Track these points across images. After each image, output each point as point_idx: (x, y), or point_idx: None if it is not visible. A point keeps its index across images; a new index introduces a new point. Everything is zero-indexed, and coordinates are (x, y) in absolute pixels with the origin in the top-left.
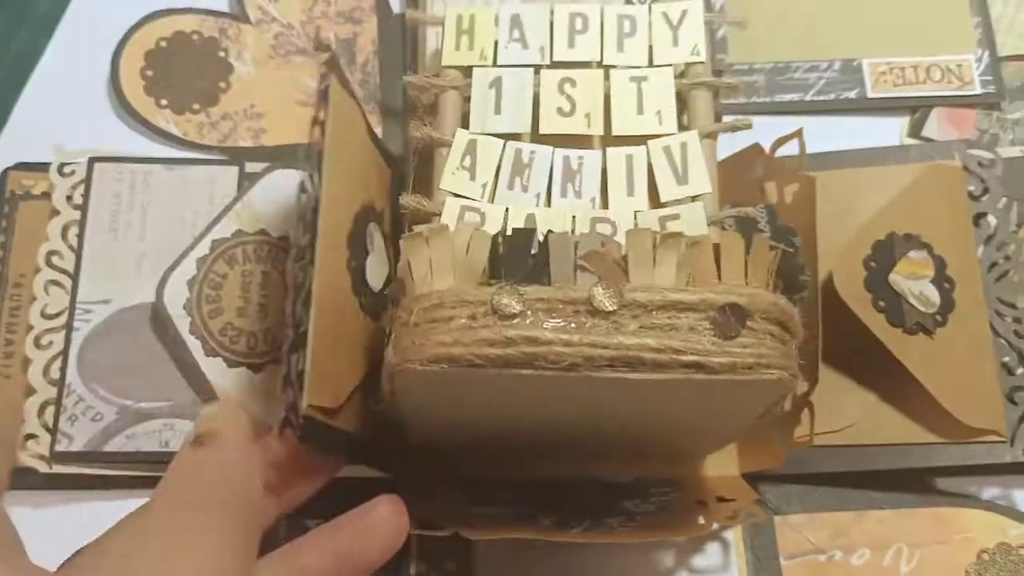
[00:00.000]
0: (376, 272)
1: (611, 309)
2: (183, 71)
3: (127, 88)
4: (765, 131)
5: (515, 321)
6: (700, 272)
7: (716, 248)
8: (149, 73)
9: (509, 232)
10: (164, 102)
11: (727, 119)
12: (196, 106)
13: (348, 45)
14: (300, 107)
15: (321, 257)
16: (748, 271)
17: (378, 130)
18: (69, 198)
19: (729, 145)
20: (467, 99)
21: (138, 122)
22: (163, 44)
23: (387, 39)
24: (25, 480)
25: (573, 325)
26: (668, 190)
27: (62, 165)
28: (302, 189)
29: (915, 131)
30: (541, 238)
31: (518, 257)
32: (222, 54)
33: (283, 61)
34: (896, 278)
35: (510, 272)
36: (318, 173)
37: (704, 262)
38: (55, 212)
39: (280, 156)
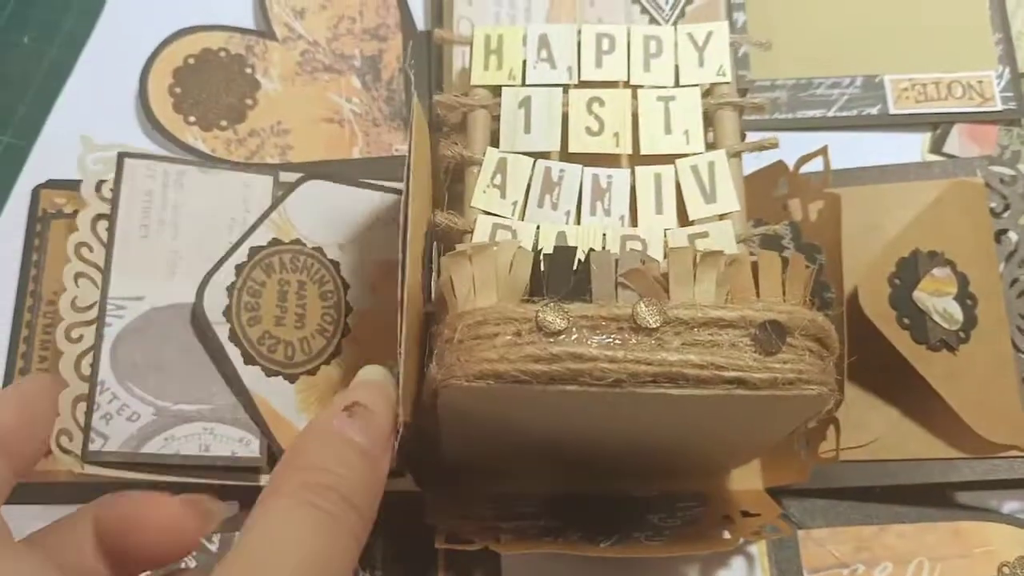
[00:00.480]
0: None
1: (655, 326)
2: (211, 88)
3: (155, 105)
4: (788, 147)
5: (560, 338)
6: (738, 289)
7: (754, 266)
8: (177, 90)
9: (543, 249)
10: (192, 119)
11: (751, 136)
12: (224, 123)
13: (373, 62)
14: (326, 124)
15: (409, 277)
16: (785, 288)
17: (403, 147)
18: (98, 190)
19: (752, 159)
20: (496, 118)
21: (167, 139)
22: (191, 61)
23: (412, 57)
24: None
25: (617, 341)
26: (696, 208)
27: (89, 156)
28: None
29: (936, 147)
30: (582, 256)
31: (560, 275)
32: (249, 71)
33: (309, 78)
34: (920, 295)
35: (552, 289)
36: (406, 192)
37: (742, 280)
38: (84, 203)
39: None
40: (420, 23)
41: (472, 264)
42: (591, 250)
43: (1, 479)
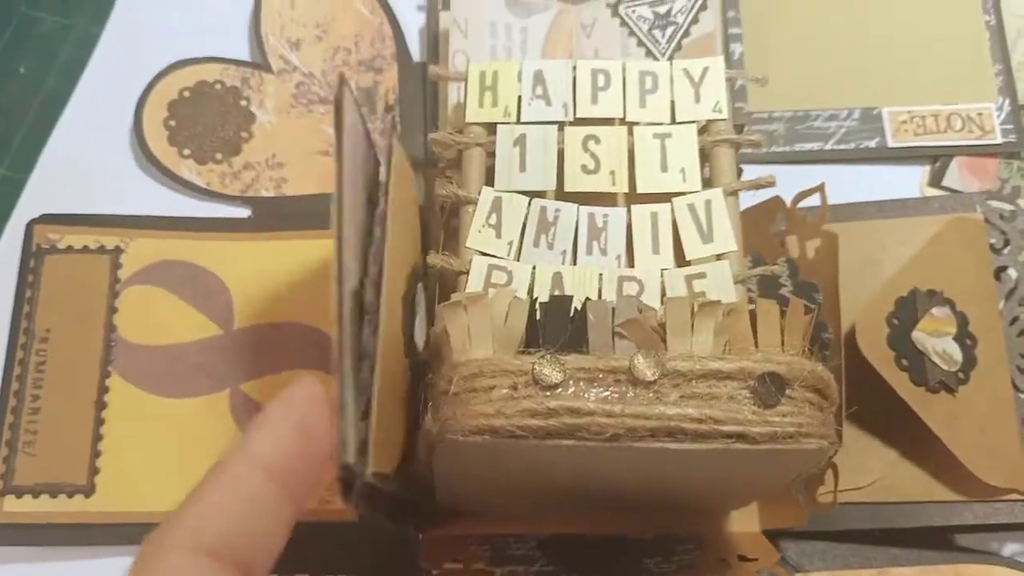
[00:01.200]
0: (419, 333)
1: (652, 379)
2: (206, 121)
3: (150, 139)
4: (785, 180)
5: (557, 391)
6: (737, 339)
7: (752, 314)
8: (172, 123)
9: (541, 296)
10: (187, 152)
11: (749, 169)
12: (219, 156)
13: (369, 95)
14: (321, 157)
15: (385, 321)
16: (784, 337)
17: None
18: None
19: (749, 194)
20: (491, 154)
21: (162, 172)
22: (186, 94)
23: (408, 88)
24: None
25: (615, 395)
26: (693, 248)
27: None
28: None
29: (935, 180)
30: (578, 304)
31: (556, 324)
32: (244, 103)
33: (304, 110)
34: (919, 335)
35: (549, 340)
36: (381, 232)
37: (741, 329)
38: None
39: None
40: (416, 54)
41: (467, 314)
42: (587, 299)
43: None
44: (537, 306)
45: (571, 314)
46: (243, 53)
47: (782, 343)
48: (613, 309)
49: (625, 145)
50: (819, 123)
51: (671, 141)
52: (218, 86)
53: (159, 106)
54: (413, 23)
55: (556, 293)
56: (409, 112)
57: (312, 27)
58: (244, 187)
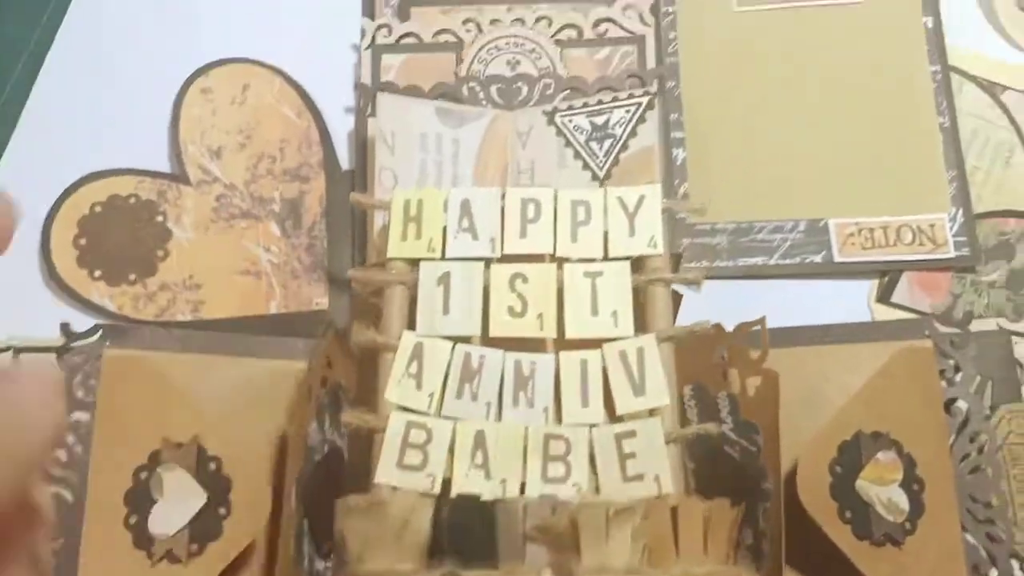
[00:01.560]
0: (172, 512)
1: None
2: (118, 238)
3: (58, 260)
4: (728, 297)
5: None
6: (657, 543)
7: (674, 511)
8: (82, 242)
9: (447, 493)
10: (98, 273)
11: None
12: (132, 276)
13: (294, 206)
14: (242, 277)
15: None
16: (707, 540)
17: (324, 300)
18: None
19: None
20: (415, 286)
21: (69, 295)
22: (97, 209)
23: (336, 197)
24: None
25: None
26: (624, 402)
27: None
28: None
29: (884, 296)
30: (488, 497)
31: (464, 527)
32: (160, 219)
33: (225, 225)
34: (863, 484)
35: (453, 546)
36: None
37: (661, 531)
38: None
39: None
40: (344, 160)
41: (366, 518)
42: (498, 501)
43: None
44: (443, 507)
45: (480, 511)
46: (160, 163)
47: (704, 547)
48: (525, 507)
49: (554, 284)
50: (763, 235)
51: (602, 280)
52: (132, 200)
53: (69, 223)
54: (341, 127)
55: (465, 490)
56: (337, 223)
57: (235, 133)
58: (159, 311)
